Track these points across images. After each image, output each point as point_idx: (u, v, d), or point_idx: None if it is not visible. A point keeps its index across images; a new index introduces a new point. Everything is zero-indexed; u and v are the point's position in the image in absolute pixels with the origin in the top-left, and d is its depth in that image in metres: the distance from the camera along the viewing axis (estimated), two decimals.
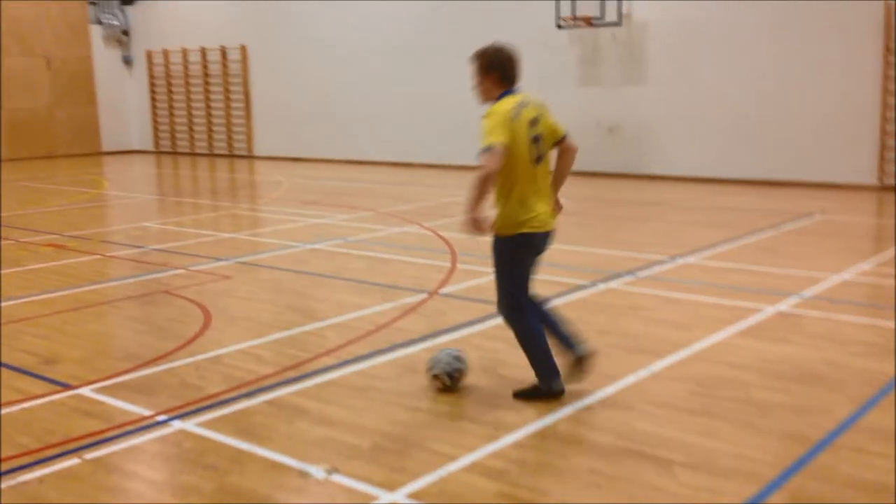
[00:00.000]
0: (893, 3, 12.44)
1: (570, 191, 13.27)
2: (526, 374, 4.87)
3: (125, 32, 22.96)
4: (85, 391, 4.87)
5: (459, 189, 13.64)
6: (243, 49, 20.69)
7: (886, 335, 5.68)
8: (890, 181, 12.77)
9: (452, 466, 3.82)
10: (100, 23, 22.66)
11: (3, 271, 8.19)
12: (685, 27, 14.28)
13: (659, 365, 5.15)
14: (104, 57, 22.81)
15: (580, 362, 4.62)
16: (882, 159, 12.82)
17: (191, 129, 22.36)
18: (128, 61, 23.20)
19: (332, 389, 4.87)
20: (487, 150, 4.15)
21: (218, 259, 8.53)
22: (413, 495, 3.58)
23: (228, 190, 15.51)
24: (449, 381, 4.77)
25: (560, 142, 4.59)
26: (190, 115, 22.29)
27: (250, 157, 21.07)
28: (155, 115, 23.12)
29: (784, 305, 6.46)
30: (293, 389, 4.85)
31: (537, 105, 4.48)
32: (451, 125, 17.29)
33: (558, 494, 3.59)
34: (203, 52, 21.49)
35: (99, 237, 9.94)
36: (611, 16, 14.58)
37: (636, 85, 14.98)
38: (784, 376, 4.94)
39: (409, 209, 11.84)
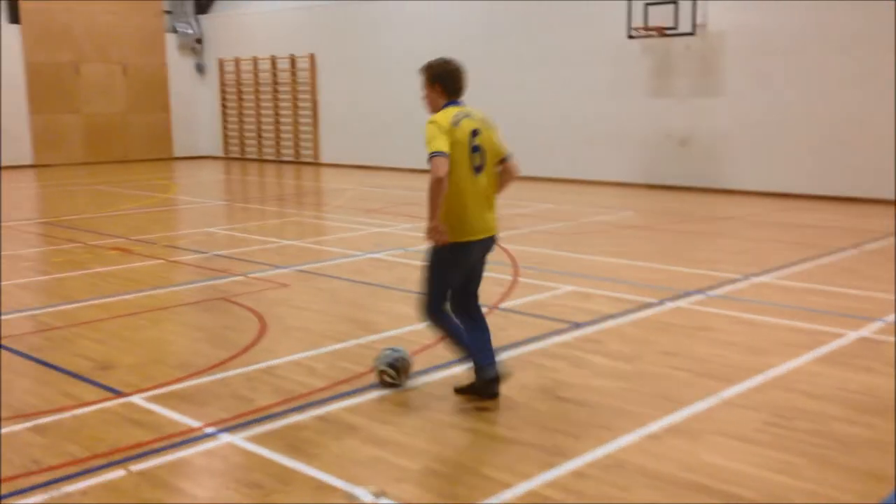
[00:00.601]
0: None
1: (638, 203, 13.04)
2: (587, 395, 4.64)
3: (199, 41, 23.38)
4: (136, 399, 4.80)
5: (523, 201, 13.42)
6: (312, 57, 20.85)
7: None
8: None
9: (507, 495, 3.62)
10: (175, 31, 23.14)
11: (69, 274, 8.29)
12: (763, 37, 13.80)
13: (730, 392, 4.85)
14: (178, 64, 23.27)
15: (493, 381, 4.67)
16: None
17: (259, 136, 22.63)
18: (200, 69, 23.62)
19: (384, 406, 4.70)
20: (433, 156, 4.34)
21: (277, 266, 8.48)
22: None
23: (293, 197, 15.57)
24: (394, 372, 4.89)
25: (502, 161, 4.75)
26: (259, 122, 22.57)
27: (316, 164, 21.20)
28: (225, 121, 23.48)
29: (866, 331, 6.06)
30: (345, 405, 4.70)
31: (481, 119, 4.65)
32: (516, 135, 17.04)
33: None
34: (273, 60, 21.73)
35: (164, 241, 10.02)
36: (685, 26, 14.19)
37: (710, 96, 14.54)
38: (867, 409, 4.59)
39: None
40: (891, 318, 6.39)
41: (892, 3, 12.49)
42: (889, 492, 3.63)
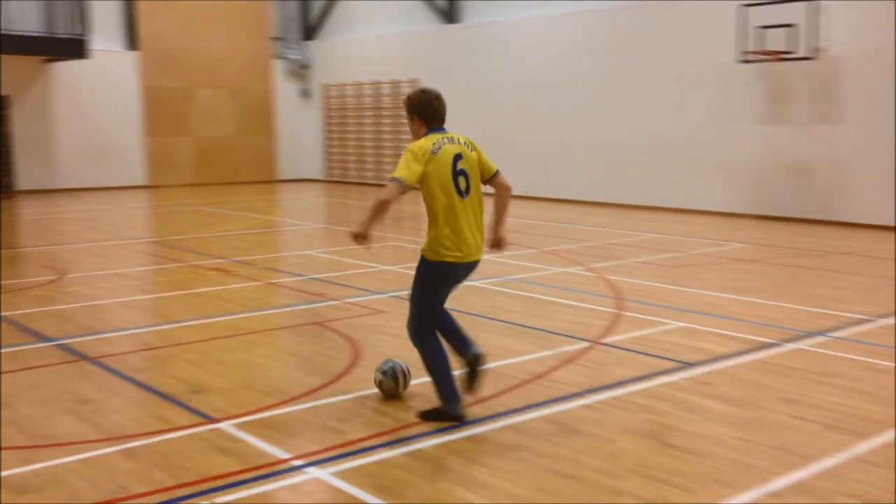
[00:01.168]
0: None
1: (748, 235, 12.41)
2: (698, 444, 4.26)
3: (305, 66, 23.86)
4: (226, 426, 4.69)
5: (628, 230, 12.99)
6: (414, 83, 20.94)
7: None
8: None
9: None
10: (282, 57, 23.69)
11: (171, 294, 8.38)
12: (888, 61, 13.00)
13: (862, 447, 4.37)
14: (284, 90, 23.78)
15: (474, 361, 4.80)
16: None
17: (360, 160, 22.86)
18: (306, 94, 24.09)
19: (479, 446, 4.44)
20: (392, 180, 4.57)
21: (373, 292, 8.35)
22: None
23: (392, 221, 15.54)
24: (392, 378, 5.05)
25: (492, 179, 4.88)
26: (360, 146, 22.80)
27: (416, 188, 21.17)
28: (328, 145, 23.83)
29: None
30: (438, 442, 4.46)
31: (465, 143, 4.78)
32: (622, 162, 16.65)
33: None
34: (375, 85, 21.95)
35: (263, 263, 10.06)
36: (804, 49, 13.51)
37: (831, 123, 13.77)
38: None
39: (573, 248, 11.31)
40: None
41: None
42: None
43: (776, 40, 13.76)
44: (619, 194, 16.69)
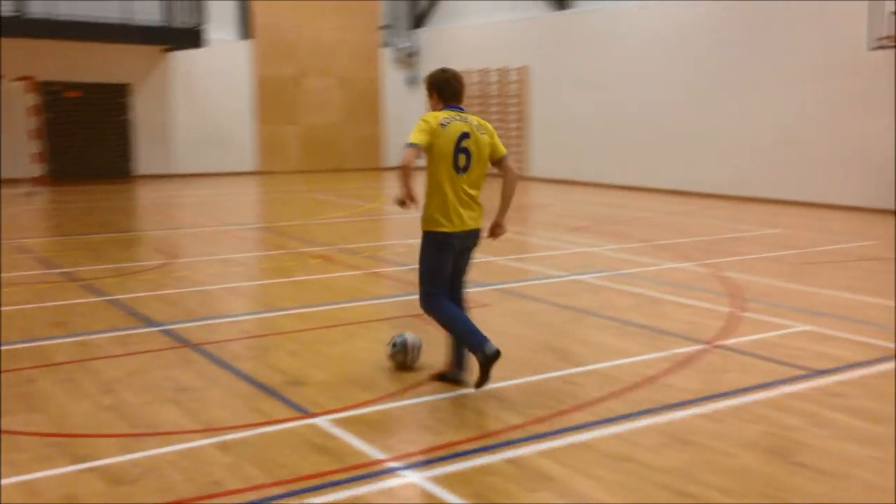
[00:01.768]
0: None
1: (881, 232, 11.55)
2: (829, 463, 3.86)
3: (412, 54, 23.83)
4: (322, 421, 4.56)
5: (747, 224, 12.36)
6: (524, 70, 20.60)
7: None
8: None
9: None
10: (390, 45, 23.73)
11: (274, 281, 8.39)
12: None
13: None
14: (391, 78, 23.84)
15: (490, 359, 4.83)
16: None
17: None
18: (412, 82, 24.06)
19: (583, 454, 4.15)
20: (407, 146, 4.82)
21: (477, 284, 8.13)
22: None
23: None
24: (399, 348, 5.32)
25: (499, 161, 5.17)
26: None
27: (524, 178, 20.90)
28: None
29: None
30: (539, 448, 4.20)
31: (477, 124, 5.07)
32: (740, 153, 15.88)
33: None
34: (484, 73, 21.70)
35: (366, 252, 10.00)
36: None
37: None
38: None
39: (686, 243, 10.79)
40: None
41: None
42: None
43: None
44: (736, 186, 15.93)
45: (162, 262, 9.29)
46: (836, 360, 5.65)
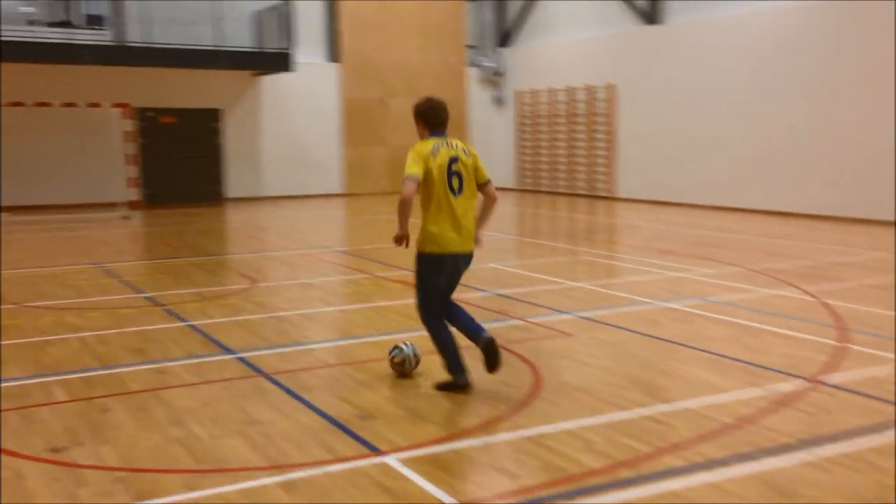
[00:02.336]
0: None
1: None
2: None
3: (498, 74, 23.68)
4: (392, 460, 4.33)
5: (850, 247, 11.66)
6: (611, 88, 20.16)
7: None
8: None
9: None
10: (476, 65, 23.64)
11: (352, 307, 8.26)
12: None
13: None
14: (477, 97, 23.73)
15: (487, 347, 5.29)
16: None
17: (553, 168, 22.33)
18: (498, 101, 23.90)
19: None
20: (406, 178, 5.11)
21: (560, 311, 7.81)
22: None
23: (584, 233, 14.91)
24: (396, 354, 5.72)
25: (482, 186, 5.43)
26: (553, 154, 22.28)
27: (610, 198, 20.41)
28: (520, 153, 23.49)
29: None
30: (624, 497, 3.87)
31: (463, 149, 5.39)
32: (839, 171, 15.05)
33: None
34: (570, 91, 21.35)
35: None
36: None
37: None
38: None
39: (785, 268, 10.19)
40: None
41: None
42: None
43: None
44: (839, 206, 15.09)
45: (244, 286, 9.29)
46: None
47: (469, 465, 4.33)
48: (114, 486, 4.05)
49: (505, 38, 23.67)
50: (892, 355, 6.17)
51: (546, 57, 22.23)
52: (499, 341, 6.65)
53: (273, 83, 20.71)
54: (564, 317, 7.60)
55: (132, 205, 17.24)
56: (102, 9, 19.01)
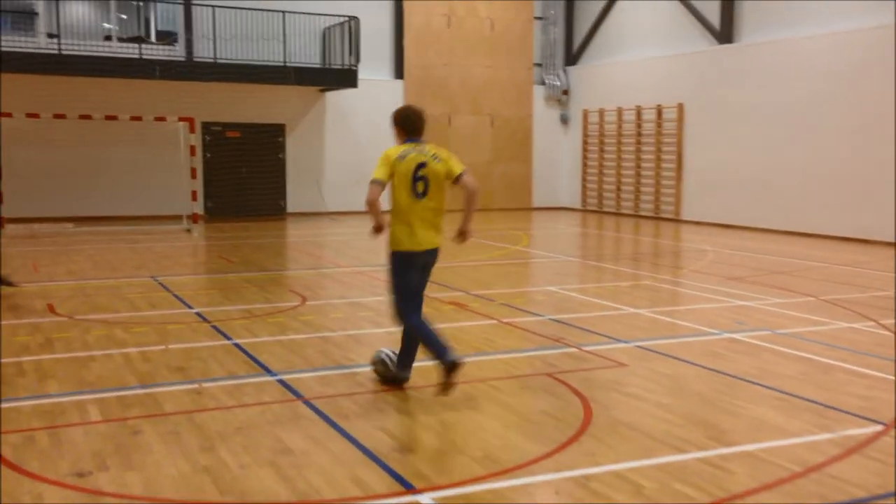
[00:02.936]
0: None
1: None
2: None
3: (565, 92, 23.34)
4: (424, 499, 4.07)
5: None
6: (680, 108, 19.63)
7: None
8: None
9: None
10: (543, 83, 23.36)
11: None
12: None
13: None
14: (543, 116, 23.43)
15: (451, 367, 5.43)
16: None
17: (618, 189, 21.84)
18: (564, 120, 23.55)
19: None
20: (371, 182, 5.50)
21: (616, 340, 7.45)
22: None
23: (648, 256, 14.44)
24: (377, 360, 6.02)
25: (457, 179, 5.67)
26: (619, 175, 21.79)
27: (677, 220, 19.84)
28: (585, 172, 23.07)
29: None
30: None
31: (434, 155, 5.66)
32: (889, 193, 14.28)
33: None
34: (638, 110, 20.88)
35: (502, 298, 9.49)
36: None
37: None
38: None
39: (861, 299, 9.61)
40: None
41: None
42: None
43: None
44: None
45: (294, 304, 9.16)
46: None
47: None
48: None
49: (572, 56, 23.33)
50: None
51: (614, 76, 21.81)
52: (549, 370, 6.39)
53: (337, 99, 20.77)
54: (621, 346, 7.23)
55: (195, 218, 17.42)
56: (174, 25, 19.38)
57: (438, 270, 11.46)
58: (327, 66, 19.95)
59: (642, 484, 4.26)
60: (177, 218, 17.83)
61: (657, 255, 14.46)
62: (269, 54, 19.12)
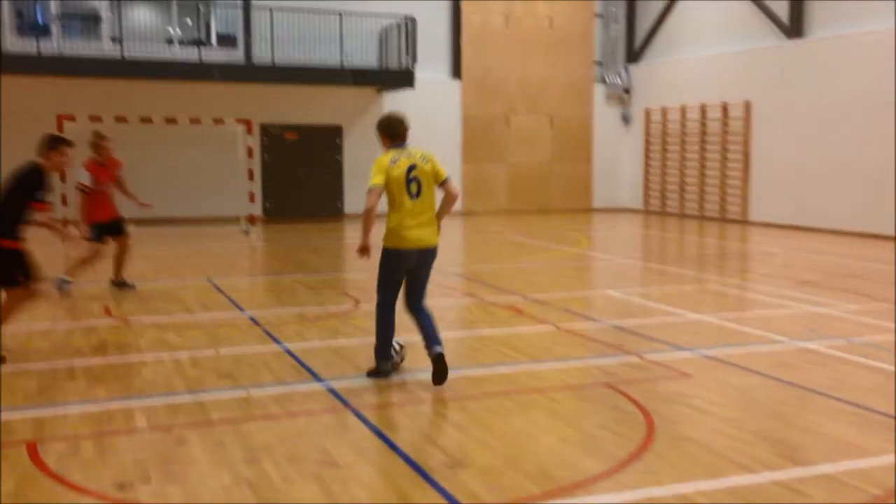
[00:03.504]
0: None
1: None
2: None
3: (627, 91, 22.86)
4: None
5: None
6: (747, 105, 19.01)
7: None
8: None
9: None
10: (604, 82, 22.92)
11: (453, 334, 7.77)
12: None
13: None
14: (604, 115, 22.99)
15: (436, 360, 5.83)
16: None
17: (682, 190, 21.28)
18: (626, 119, 23.06)
19: None
20: (369, 190, 5.75)
21: (680, 348, 7.10)
22: None
23: (713, 259, 13.95)
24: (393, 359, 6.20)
25: (442, 184, 5.96)
26: (682, 175, 21.23)
27: (744, 222, 19.21)
28: (647, 173, 22.55)
29: None
30: None
31: (421, 156, 5.95)
32: None
33: None
34: (703, 108, 20.30)
35: (559, 303, 9.19)
36: None
37: None
38: None
39: None
40: None
41: None
42: None
43: None
44: None
45: (346, 307, 9.01)
46: None
47: None
48: None
49: (634, 54, 22.84)
50: None
51: (676, 73, 21.27)
52: (609, 380, 6.09)
53: (394, 99, 20.64)
54: (685, 354, 6.89)
55: (252, 219, 17.46)
56: (234, 28, 19.51)
57: (495, 273, 11.30)
58: (384, 67, 19.87)
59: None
60: (235, 220, 17.92)
61: (723, 258, 13.96)
62: (327, 56, 19.11)
